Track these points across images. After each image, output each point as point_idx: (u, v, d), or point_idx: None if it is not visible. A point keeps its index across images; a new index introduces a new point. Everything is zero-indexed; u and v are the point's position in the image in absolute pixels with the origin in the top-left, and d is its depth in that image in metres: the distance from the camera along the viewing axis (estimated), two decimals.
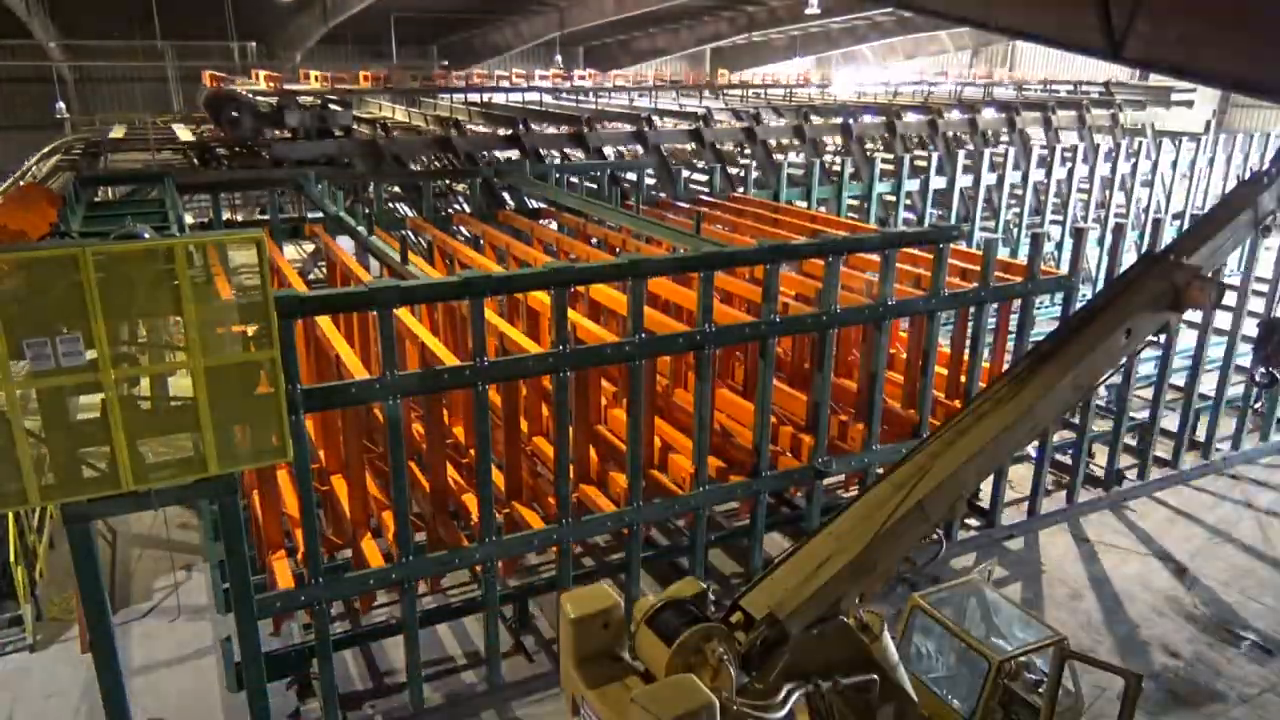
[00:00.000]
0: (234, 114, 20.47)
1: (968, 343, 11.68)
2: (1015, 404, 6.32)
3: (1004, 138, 26.26)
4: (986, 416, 6.27)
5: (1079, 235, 11.57)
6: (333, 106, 22.65)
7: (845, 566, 5.57)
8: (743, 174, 19.25)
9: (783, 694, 5.17)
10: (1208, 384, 14.52)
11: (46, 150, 23.39)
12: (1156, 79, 32.27)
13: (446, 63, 49.58)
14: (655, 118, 25.49)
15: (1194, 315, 11.12)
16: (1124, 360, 7.07)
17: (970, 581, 8.65)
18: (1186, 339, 14.44)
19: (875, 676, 5.72)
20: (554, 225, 15.48)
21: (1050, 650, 7.58)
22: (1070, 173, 21.38)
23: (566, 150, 23.10)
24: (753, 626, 5.31)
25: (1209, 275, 7.11)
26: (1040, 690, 7.62)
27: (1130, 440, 13.96)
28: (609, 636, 5.39)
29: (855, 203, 19.54)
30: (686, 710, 4.52)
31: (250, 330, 7.05)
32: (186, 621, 10.98)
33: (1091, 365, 6.63)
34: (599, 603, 5.40)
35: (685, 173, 20.22)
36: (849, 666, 5.66)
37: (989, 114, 26.59)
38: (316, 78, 30.17)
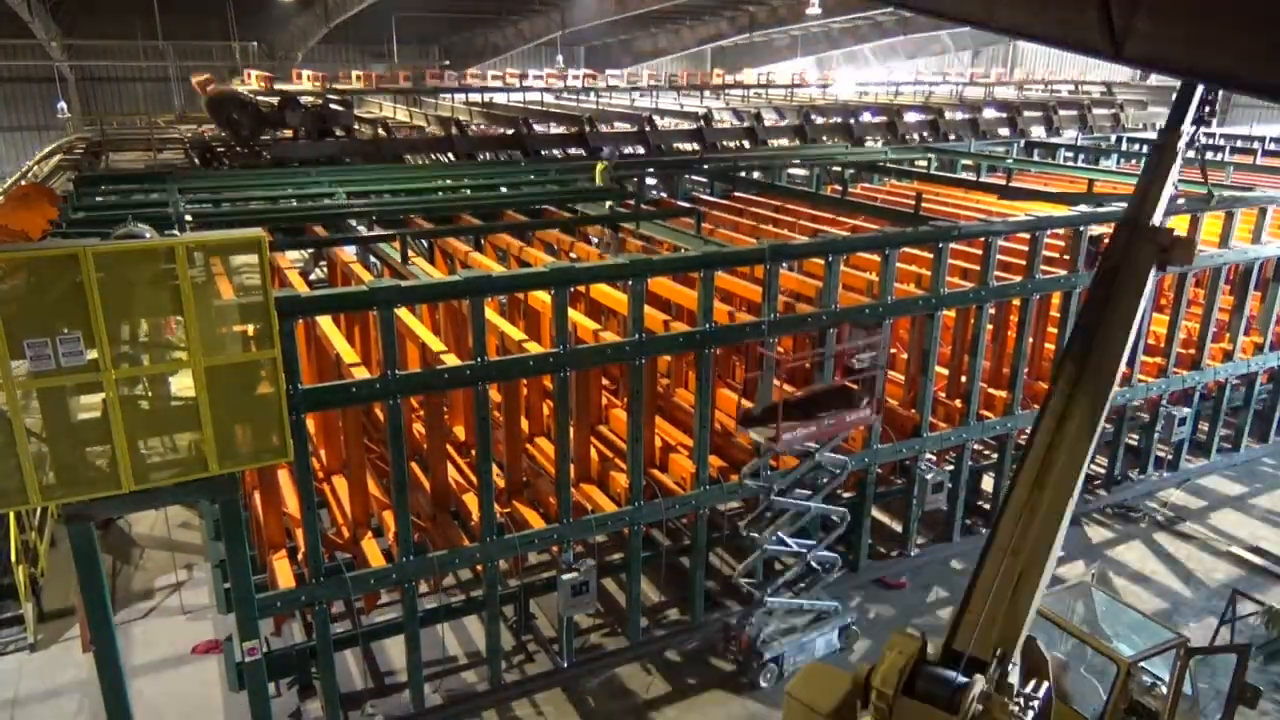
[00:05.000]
0: (234, 115, 20.50)
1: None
2: (1095, 377, 6.47)
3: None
4: (1074, 400, 6.43)
5: (1078, 235, 11.58)
6: (334, 107, 22.64)
7: (1045, 575, 5.77)
8: (743, 174, 19.24)
9: None
10: None
11: (47, 150, 23.44)
12: (1158, 79, 32.28)
13: (448, 62, 49.59)
14: (656, 117, 25.53)
15: None
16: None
17: (1081, 584, 8.66)
18: None
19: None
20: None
21: (1171, 652, 7.48)
22: None
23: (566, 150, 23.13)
24: (986, 665, 5.52)
25: (1184, 236, 7.24)
26: (1153, 692, 7.57)
27: None
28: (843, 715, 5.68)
29: None
30: None
31: (251, 330, 7.06)
32: (187, 621, 10.99)
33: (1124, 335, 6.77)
34: (836, 691, 5.72)
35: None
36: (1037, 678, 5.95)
37: (990, 114, 26.60)
38: (309, 78, 29.80)
